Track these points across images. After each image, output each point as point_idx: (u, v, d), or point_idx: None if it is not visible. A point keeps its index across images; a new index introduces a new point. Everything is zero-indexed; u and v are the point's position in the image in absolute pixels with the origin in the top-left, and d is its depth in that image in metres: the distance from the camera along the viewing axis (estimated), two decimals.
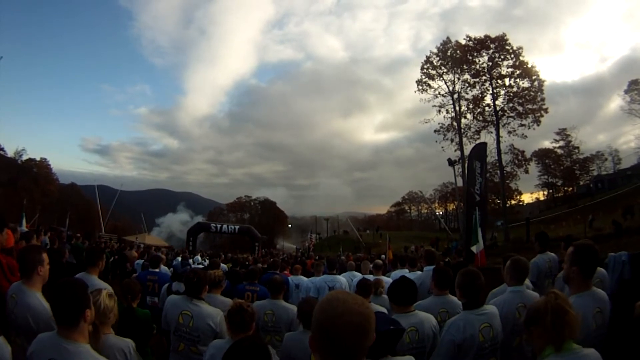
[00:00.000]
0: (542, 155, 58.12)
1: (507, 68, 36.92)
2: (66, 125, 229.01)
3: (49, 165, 64.26)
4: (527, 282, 4.06)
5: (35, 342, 2.32)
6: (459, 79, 38.56)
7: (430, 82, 39.69)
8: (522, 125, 36.21)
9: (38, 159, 62.83)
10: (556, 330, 2.06)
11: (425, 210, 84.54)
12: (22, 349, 2.80)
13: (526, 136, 36.82)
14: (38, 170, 61.37)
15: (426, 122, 40.27)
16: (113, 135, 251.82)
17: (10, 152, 59.27)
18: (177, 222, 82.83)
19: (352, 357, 1.24)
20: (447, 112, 38.92)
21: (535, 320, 2.16)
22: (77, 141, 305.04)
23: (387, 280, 6.01)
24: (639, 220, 21.67)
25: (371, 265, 7.61)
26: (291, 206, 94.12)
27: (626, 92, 49.34)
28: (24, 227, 14.05)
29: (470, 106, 37.94)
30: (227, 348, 2.12)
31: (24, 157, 60.80)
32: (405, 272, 6.89)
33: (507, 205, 41.42)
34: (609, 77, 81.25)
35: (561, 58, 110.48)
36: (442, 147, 38.94)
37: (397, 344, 2.62)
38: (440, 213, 73.58)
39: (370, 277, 6.52)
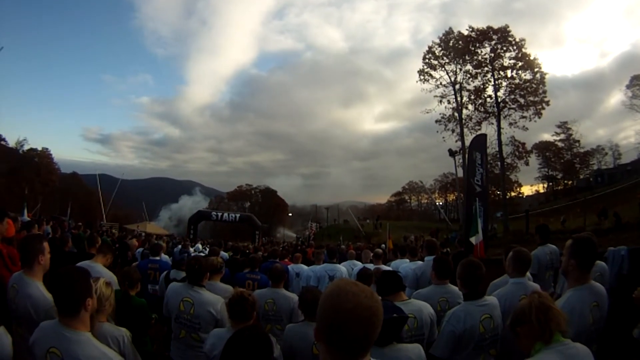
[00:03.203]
0: (543, 148, 57.89)
1: (510, 60, 36.58)
2: (68, 115, 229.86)
3: (51, 154, 64.12)
4: (528, 274, 4.07)
5: (37, 331, 2.32)
6: (460, 69, 38.23)
7: (432, 72, 39.35)
8: (523, 117, 35.95)
9: (39, 148, 62.67)
10: (542, 325, 2.13)
11: (426, 201, 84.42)
12: (23, 338, 2.80)
13: (527, 128, 36.61)
14: (39, 160, 61.13)
15: (427, 112, 40.06)
16: (114, 124, 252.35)
17: (11, 142, 59.18)
18: (191, 204, 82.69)
19: (360, 349, 1.25)
20: (449, 102, 38.66)
21: (521, 321, 2.23)
22: (78, 131, 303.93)
23: (387, 269, 6.03)
24: (637, 215, 21.56)
25: (371, 255, 7.62)
26: (292, 195, 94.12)
27: (628, 87, 48.95)
28: (26, 217, 14.13)
29: (472, 97, 37.65)
30: (228, 337, 2.13)
31: (26, 147, 60.72)
32: (405, 261, 6.91)
33: (507, 197, 41.39)
34: (609, 73, 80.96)
35: (561, 52, 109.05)
36: (443, 138, 38.82)
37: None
38: (440, 203, 73.61)
39: (371, 266, 6.54)
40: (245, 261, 6.79)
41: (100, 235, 13.34)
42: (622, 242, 9.24)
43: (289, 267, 7.47)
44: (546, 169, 61.02)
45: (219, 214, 42.28)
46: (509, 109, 36.16)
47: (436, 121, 39.49)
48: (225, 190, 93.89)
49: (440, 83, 39.03)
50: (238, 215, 43.53)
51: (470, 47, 37.33)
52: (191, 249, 13.73)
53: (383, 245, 17.53)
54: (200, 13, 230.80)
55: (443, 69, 39.08)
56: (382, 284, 3.42)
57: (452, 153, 34.77)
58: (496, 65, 36.68)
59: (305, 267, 7.62)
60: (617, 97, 58.78)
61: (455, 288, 3.80)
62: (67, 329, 2.21)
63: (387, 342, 2.41)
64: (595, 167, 56.50)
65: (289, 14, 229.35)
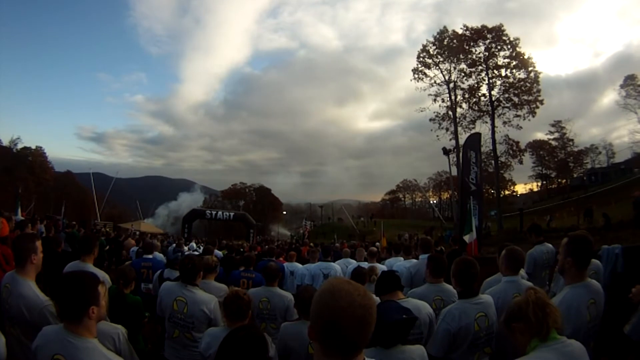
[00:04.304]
0: (537, 147, 58.18)
1: (504, 58, 36.75)
2: (62, 114, 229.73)
3: (45, 153, 63.98)
4: (522, 272, 4.08)
5: (40, 336, 2.24)
6: (455, 68, 38.32)
7: (427, 71, 39.45)
8: (517, 116, 36.11)
9: (33, 147, 62.56)
10: (539, 322, 2.09)
11: (420, 199, 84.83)
12: (17, 339, 2.78)
13: (521, 127, 36.80)
14: (33, 159, 60.94)
15: (421, 111, 40.25)
16: (109, 123, 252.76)
17: (5, 141, 59.28)
18: (190, 201, 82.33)
19: (354, 348, 1.25)
20: (443, 101, 38.81)
21: (517, 317, 2.19)
22: (72, 129, 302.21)
23: (381, 267, 6.07)
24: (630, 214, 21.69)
25: (365, 253, 7.64)
26: (286, 193, 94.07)
27: (622, 86, 49.58)
28: (20, 216, 14.03)
29: (466, 96, 37.77)
30: (223, 336, 2.12)
31: (19, 146, 60.83)
32: (400, 259, 6.92)
33: (501, 195, 41.53)
34: (603, 73, 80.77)
35: (555, 52, 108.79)
36: (437, 136, 39.00)
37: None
38: (435, 202, 73.95)
39: (365, 264, 6.55)
40: (240, 259, 6.78)
41: (91, 232, 13.26)
42: (616, 240, 9.29)
43: (283, 265, 7.47)
44: (540, 168, 61.43)
45: (213, 213, 42.00)
46: (503, 107, 36.34)
47: (430, 120, 39.72)
48: (220, 188, 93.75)
49: (435, 82, 39.21)
50: (232, 214, 43.29)
51: (465, 46, 37.39)
52: (185, 248, 13.68)
53: (377, 244, 17.59)
54: (195, 11, 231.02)
55: (437, 67, 39.20)
56: (380, 284, 3.42)
57: (446, 151, 34.90)
58: (490, 64, 36.80)
59: (299, 265, 7.63)
60: (610, 97, 59.33)
61: (450, 287, 3.80)
62: (73, 335, 2.13)
63: (392, 344, 2.39)
64: (588, 166, 56.95)
65: (282, 12, 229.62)
